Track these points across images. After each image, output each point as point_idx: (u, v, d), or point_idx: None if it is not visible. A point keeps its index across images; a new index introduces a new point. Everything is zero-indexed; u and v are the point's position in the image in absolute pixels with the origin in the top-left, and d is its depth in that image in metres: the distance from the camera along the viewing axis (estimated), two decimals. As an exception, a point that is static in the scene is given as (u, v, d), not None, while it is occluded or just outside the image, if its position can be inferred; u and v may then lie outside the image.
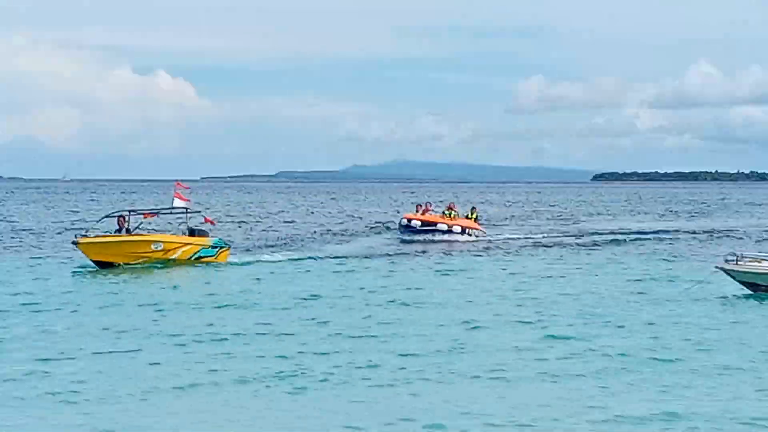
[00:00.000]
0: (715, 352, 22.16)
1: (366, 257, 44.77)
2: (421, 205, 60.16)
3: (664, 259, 45.46)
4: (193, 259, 38.88)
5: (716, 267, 32.53)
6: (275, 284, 33.95)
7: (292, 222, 75.98)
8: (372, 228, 68.39)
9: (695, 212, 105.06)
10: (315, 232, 63.66)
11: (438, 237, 55.79)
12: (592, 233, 64.52)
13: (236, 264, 39.97)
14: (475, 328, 25.15)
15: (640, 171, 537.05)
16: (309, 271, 38.38)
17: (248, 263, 40.63)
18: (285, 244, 52.73)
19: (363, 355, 21.39)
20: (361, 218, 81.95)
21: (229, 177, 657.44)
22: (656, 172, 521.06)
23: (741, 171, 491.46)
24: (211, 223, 42.95)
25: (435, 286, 34.31)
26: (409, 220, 57.55)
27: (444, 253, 48.19)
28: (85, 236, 38.21)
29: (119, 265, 37.37)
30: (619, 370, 20.17)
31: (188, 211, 40.50)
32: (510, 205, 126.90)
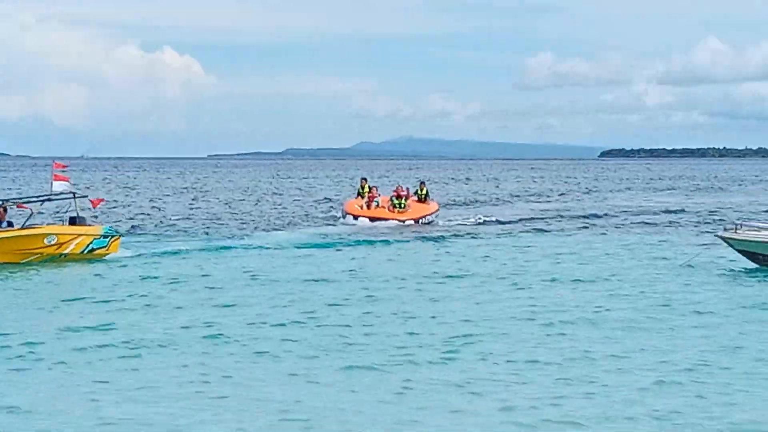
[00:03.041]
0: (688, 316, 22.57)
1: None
2: (365, 180, 52.13)
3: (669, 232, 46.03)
4: (86, 252, 33.30)
5: (716, 235, 32.83)
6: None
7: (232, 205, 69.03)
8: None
9: (699, 188, 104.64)
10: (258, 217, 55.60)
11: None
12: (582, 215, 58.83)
13: (140, 256, 34.07)
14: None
15: (647, 147, 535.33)
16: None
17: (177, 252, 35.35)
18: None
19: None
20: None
21: (236, 155, 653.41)
22: (663, 149, 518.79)
23: (749, 147, 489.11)
24: (96, 204, 36.73)
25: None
26: (356, 217, 48.46)
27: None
28: None
29: None
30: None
31: (75, 195, 34.78)
32: (469, 182, 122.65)
